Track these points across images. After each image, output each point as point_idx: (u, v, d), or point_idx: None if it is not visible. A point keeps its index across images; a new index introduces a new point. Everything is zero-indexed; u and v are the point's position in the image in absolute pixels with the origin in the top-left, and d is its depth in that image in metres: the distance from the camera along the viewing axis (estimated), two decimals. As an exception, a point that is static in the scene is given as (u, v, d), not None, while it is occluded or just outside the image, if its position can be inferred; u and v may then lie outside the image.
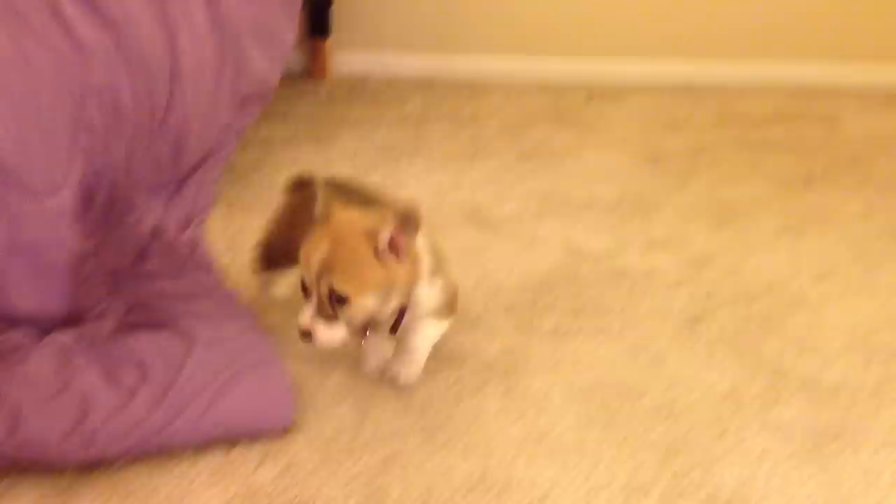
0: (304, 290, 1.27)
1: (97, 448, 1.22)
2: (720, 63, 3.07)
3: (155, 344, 1.36)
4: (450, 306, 1.43)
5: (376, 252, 1.24)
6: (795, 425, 1.40)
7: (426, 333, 1.41)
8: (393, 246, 1.25)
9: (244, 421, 1.31)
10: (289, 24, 2.42)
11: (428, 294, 1.36)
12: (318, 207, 1.28)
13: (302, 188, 1.51)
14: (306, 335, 1.26)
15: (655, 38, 3.07)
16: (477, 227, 2.07)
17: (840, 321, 1.69)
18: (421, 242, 1.33)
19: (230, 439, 1.32)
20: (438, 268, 1.38)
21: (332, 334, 1.26)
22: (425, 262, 1.34)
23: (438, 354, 1.56)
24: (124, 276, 1.67)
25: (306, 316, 1.26)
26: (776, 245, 1.99)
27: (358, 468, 1.28)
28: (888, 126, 2.71)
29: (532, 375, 1.51)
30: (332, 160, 2.43)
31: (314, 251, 1.24)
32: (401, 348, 1.44)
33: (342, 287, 1.23)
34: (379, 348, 1.47)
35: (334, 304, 1.24)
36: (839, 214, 2.14)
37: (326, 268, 1.23)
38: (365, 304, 1.25)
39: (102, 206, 1.68)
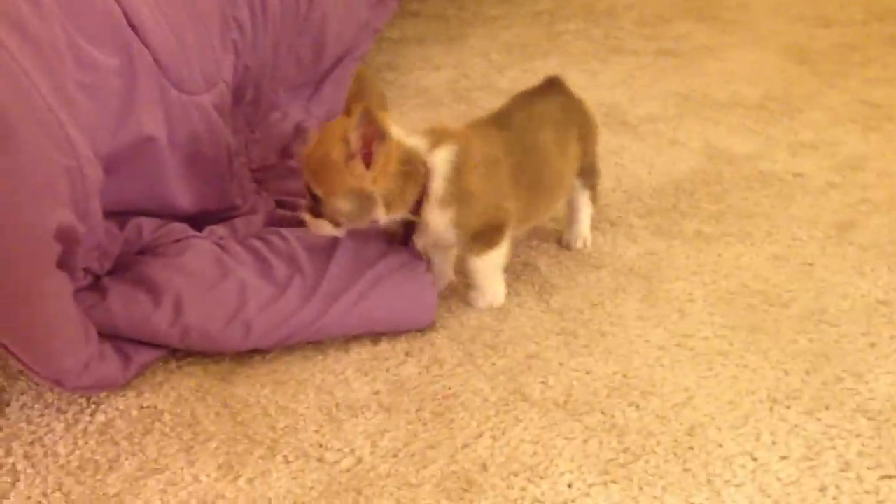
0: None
1: (253, 337, 1.27)
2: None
3: (303, 239, 1.40)
4: (481, 238, 1.38)
5: (346, 156, 1.26)
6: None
7: (474, 266, 1.41)
8: (365, 152, 1.26)
9: (389, 316, 1.34)
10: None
11: (438, 220, 1.34)
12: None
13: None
14: (302, 222, 1.35)
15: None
16: (614, 127, 2.02)
17: None
18: (435, 161, 1.32)
19: (375, 333, 1.36)
20: (459, 197, 1.33)
21: (318, 227, 1.33)
22: (434, 185, 1.32)
23: (577, 256, 1.56)
24: (270, 172, 1.72)
25: (304, 208, 1.34)
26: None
27: (500, 365, 1.30)
28: None
29: (673, 280, 1.49)
30: (463, 60, 2.41)
31: (307, 150, 1.31)
32: (469, 275, 1.44)
33: (315, 187, 1.30)
34: (441, 270, 1.47)
35: (315, 201, 1.31)
36: None
37: (307, 168, 1.31)
38: (337, 205, 1.30)
39: (250, 104, 1.71)
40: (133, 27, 1.25)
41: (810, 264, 1.52)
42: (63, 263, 1.04)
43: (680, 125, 2.03)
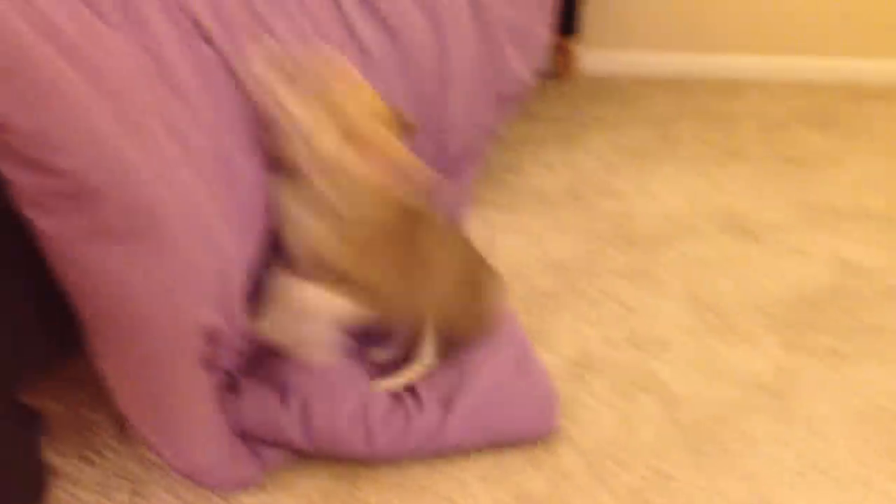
0: None
1: (378, 444, 1.27)
2: None
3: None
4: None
5: None
6: None
7: None
8: None
9: (511, 424, 1.33)
10: (544, 26, 2.44)
11: None
12: None
13: None
14: None
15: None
16: (735, 235, 1.99)
17: None
18: None
19: (497, 443, 1.34)
20: None
21: None
22: None
23: (703, 368, 1.52)
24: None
25: None
26: None
27: (627, 481, 1.26)
28: None
29: (805, 398, 1.44)
30: (578, 161, 2.43)
31: None
32: None
33: None
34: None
35: None
36: None
37: None
38: None
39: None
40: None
41: (954, 388, 1.45)
42: (205, 363, 1.07)
43: (805, 235, 1.98)
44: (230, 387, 1.25)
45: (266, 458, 1.26)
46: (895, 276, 1.80)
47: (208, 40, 1.15)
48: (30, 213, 0.91)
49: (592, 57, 3.11)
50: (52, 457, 1.33)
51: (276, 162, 1.24)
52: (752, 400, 1.44)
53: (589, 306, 1.72)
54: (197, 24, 1.14)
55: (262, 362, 1.32)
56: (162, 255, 0.93)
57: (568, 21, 3.00)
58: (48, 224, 0.90)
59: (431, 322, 1.36)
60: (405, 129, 1.31)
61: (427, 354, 1.37)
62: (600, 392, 1.46)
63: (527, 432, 1.35)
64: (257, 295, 1.21)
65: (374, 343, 1.43)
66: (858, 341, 1.58)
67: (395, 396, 1.32)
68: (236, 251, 1.09)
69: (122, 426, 1.40)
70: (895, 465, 1.27)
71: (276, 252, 1.25)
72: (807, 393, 1.45)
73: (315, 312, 1.24)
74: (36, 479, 0.95)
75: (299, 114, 1.19)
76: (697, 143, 2.51)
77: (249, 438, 1.25)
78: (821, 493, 1.23)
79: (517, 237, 2.00)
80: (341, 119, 1.20)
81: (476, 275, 1.42)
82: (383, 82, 1.64)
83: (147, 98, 0.97)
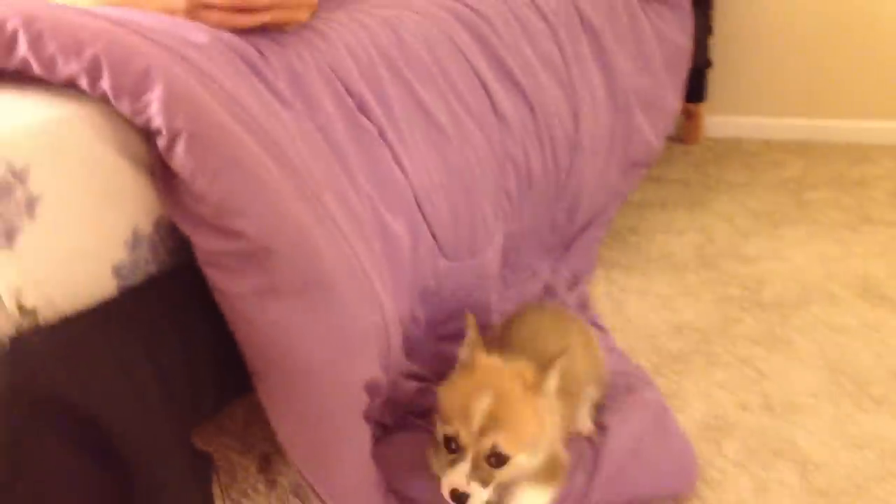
0: (454, 445, 1.15)
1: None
2: None
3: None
4: (552, 473, 1.24)
5: (536, 404, 1.16)
6: None
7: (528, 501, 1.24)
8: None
9: (652, 484, 1.35)
10: (675, 95, 2.49)
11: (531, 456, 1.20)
12: (464, 352, 1.22)
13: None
14: (460, 498, 1.12)
15: None
16: (871, 301, 1.96)
17: None
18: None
19: (638, 502, 1.36)
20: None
21: (483, 497, 1.13)
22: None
23: (838, 433, 1.51)
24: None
25: (461, 475, 1.12)
26: None
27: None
28: None
29: (949, 468, 1.41)
30: (707, 225, 2.44)
31: (474, 403, 1.13)
32: None
33: (508, 446, 1.12)
34: None
35: (492, 463, 1.13)
36: None
37: (492, 423, 1.12)
38: (522, 463, 1.15)
39: (508, 265, 1.82)
40: (418, 203, 1.39)
41: None
42: (366, 415, 1.15)
43: (945, 301, 1.94)
44: (379, 439, 1.32)
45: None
46: None
47: (366, 113, 1.26)
48: (208, 271, 1.01)
49: (718, 121, 3.13)
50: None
51: None
52: (890, 468, 1.42)
53: (720, 370, 1.73)
54: (358, 100, 1.24)
55: (406, 417, 1.39)
56: (330, 312, 1.01)
57: (696, 87, 3.03)
58: (224, 281, 1.01)
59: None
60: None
61: (583, 420, 1.42)
62: (734, 456, 1.47)
63: (667, 491, 1.37)
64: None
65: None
66: None
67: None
68: (393, 307, 1.17)
69: (263, 470, 1.49)
70: None
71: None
72: (950, 463, 1.42)
73: None
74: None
75: None
76: (828, 208, 2.49)
77: (397, 490, 1.32)
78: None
79: (645, 300, 2.03)
80: None
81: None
82: (520, 149, 1.72)
83: (322, 172, 1.07)
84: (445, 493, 1.12)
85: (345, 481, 1.16)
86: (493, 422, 1.12)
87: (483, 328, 1.63)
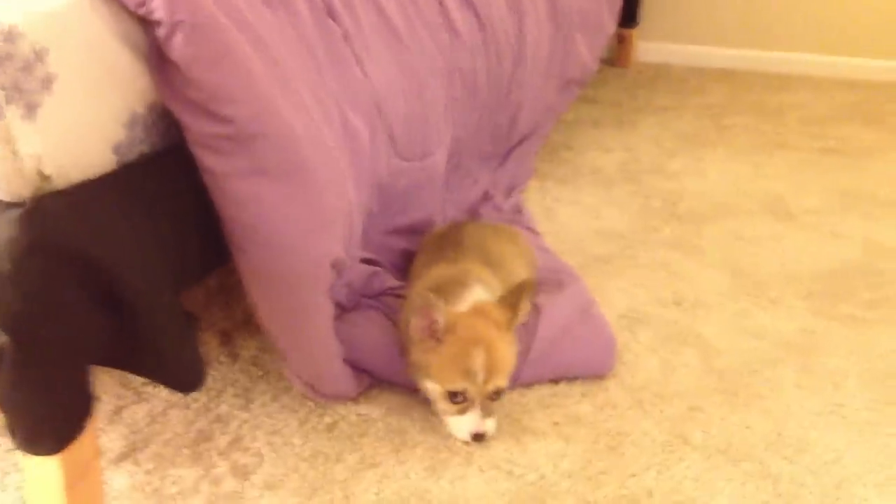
0: (461, 398, 1.37)
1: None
2: None
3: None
4: None
5: (511, 337, 1.40)
6: None
7: None
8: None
9: (576, 364, 1.54)
10: (611, 17, 2.64)
11: None
12: (441, 319, 1.35)
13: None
14: (482, 437, 1.37)
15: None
16: (776, 217, 2.18)
17: None
18: None
19: (562, 378, 1.55)
20: None
21: (494, 425, 1.40)
22: None
23: (738, 326, 1.72)
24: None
25: (477, 420, 1.37)
26: None
27: (666, 413, 1.47)
28: None
29: (828, 356, 1.63)
30: (634, 144, 2.62)
31: (472, 361, 1.34)
32: None
33: (504, 382, 1.38)
34: None
35: (493, 398, 1.39)
36: None
37: (493, 372, 1.35)
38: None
39: (452, 169, 1.97)
40: (377, 104, 1.52)
41: (962, 354, 1.63)
42: (328, 291, 1.30)
43: (841, 219, 2.16)
44: (337, 317, 1.48)
45: (365, 377, 1.49)
46: (920, 258, 1.97)
47: (333, 17, 1.38)
48: (198, 152, 1.14)
49: (649, 47, 3.29)
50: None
51: None
52: (780, 354, 1.63)
53: (639, 271, 1.92)
54: (327, 3, 1.36)
55: (360, 299, 1.54)
56: (307, 193, 1.15)
57: (629, 13, 3.18)
58: (213, 161, 1.14)
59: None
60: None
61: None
62: (647, 342, 1.67)
63: (590, 370, 1.56)
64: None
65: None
66: (880, 311, 1.77)
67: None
68: (356, 197, 1.31)
69: (225, 344, 1.64)
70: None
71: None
72: (829, 350, 1.64)
73: None
74: (198, 366, 1.18)
75: None
76: (746, 133, 2.69)
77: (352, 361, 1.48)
78: (834, 431, 1.43)
79: (575, 209, 2.21)
80: None
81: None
82: (469, 60, 1.85)
83: (297, 66, 1.19)
84: (466, 437, 1.38)
85: (310, 346, 1.31)
86: (491, 370, 1.35)
87: (429, 225, 1.79)
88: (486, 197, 2.14)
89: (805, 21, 3.11)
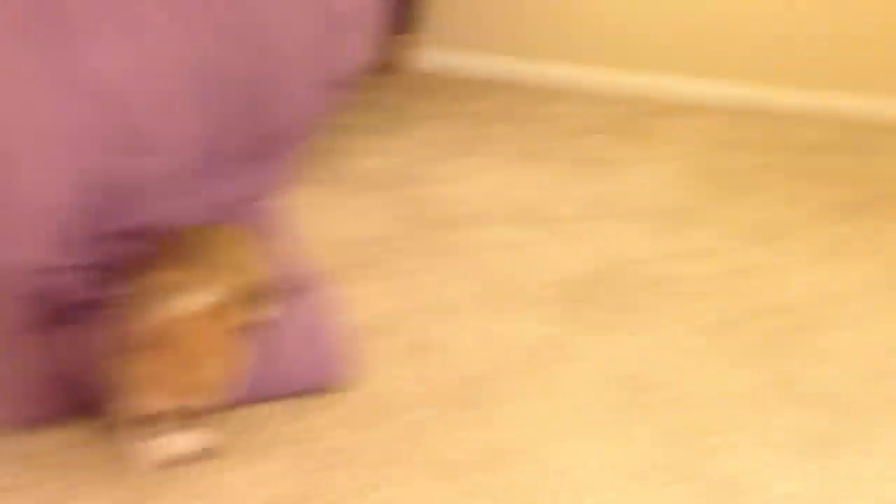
0: (165, 416, 1.29)
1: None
2: (779, 89, 3.16)
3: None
4: None
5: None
6: (801, 427, 1.52)
7: None
8: None
9: (302, 379, 1.48)
10: (377, 18, 2.60)
11: None
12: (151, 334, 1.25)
13: None
14: (188, 459, 1.31)
15: (722, 59, 3.17)
16: (531, 224, 2.21)
17: (860, 341, 1.80)
18: None
19: (288, 393, 1.49)
20: None
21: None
22: None
23: (480, 333, 1.72)
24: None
25: (184, 441, 1.31)
26: (811, 267, 2.10)
27: (396, 427, 1.44)
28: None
29: (570, 361, 1.65)
30: (401, 150, 2.60)
31: (186, 374, 1.25)
32: None
33: (216, 398, 1.28)
34: None
35: (203, 416, 1.33)
36: (877, 243, 2.23)
37: (203, 386, 1.27)
38: None
39: (200, 168, 1.86)
40: (104, 93, 1.40)
41: (688, 356, 1.70)
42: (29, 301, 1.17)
43: (587, 226, 2.23)
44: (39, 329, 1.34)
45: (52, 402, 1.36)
46: (659, 264, 2.06)
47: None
48: None
49: (427, 55, 3.30)
50: None
51: None
52: (520, 362, 1.64)
53: (389, 279, 1.89)
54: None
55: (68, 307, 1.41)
56: (8, 187, 1.02)
57: (405, 20, 3.18)
58: None
59: None
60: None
61: None
62: (388, 351, 1.63)
63: (318, 384, 1.51)
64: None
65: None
66: (621, 316, 1.82)
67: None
68: (71, 195, 1.19)
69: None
70: (628, 416, 1.50)
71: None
72: (571, 356, 1.67)
73: None
74: None
75: None
76: (505, 142, 2.74)
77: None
78: (566, 435, 1.44)
79: (333, 214, 2.16)
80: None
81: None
82: (215, 50, 1.75)
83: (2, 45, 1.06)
84: (168, 459, 1.28)
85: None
86: (202, 384, 1.24)
87: (160, 228, 1.68)
88: (242, 200, 2.04)
89: (572, 33, 3.22)
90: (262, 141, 2.16)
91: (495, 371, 1.61)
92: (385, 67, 3.26)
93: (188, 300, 1.35)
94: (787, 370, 1.68)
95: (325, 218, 2.13)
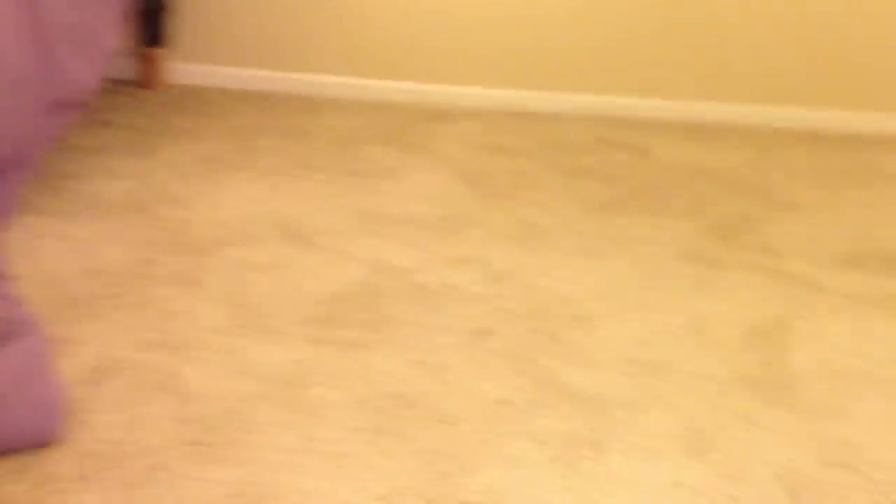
0: None
1: None
2: (545, 92, 3.20)
3: None
4: None
5: None
6: (555, 432, 1.48)
7: None
8: None
9: (11, 436, 1.29)
10: (110, 31, 2.40)
11: None
12: None
13: None
14: None
15: (485, 67, 3.17)
16: (288, 241, 2.09)
17: (614, 336, 1.80)
18: None
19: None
20: None
21: None
22: None
23: (226, 365, 1.58)
24: None
25: None
26: (571, 264, 2.09)
27: (119, 479, 1.28)
28: (691, 156, 2.88)
29: (314, 385, 1.55)
30: (147, 170, 2.41)
31: None
32: None
33: None
34: None
35: None
36: (634, 238, 2.26)
37: None
38: None
39: None
40: None
41: (444, 369, 1.63)
42: None
43: (353, 240, 2.13)
44: None
45: None
46: (420, 274, 1.99)
47: None
48: None
49: (181, 69, 3.11)
50: None
51: None
52: (267, 391, 1.52)
53: (125, 312, 1.72)
54: None
55: None
56: None
57: (154, 32, 2.98)
58: None
59: None
60: None
61: None
62: (115, 395, 1.47)
63: (29, 441, 1.32)
64: None
65: None
66: (375, 332, 1.73)
67: None
68: None
69: None
70: (377, 439, 1.41)
71: None
72: (319, 381, 1.56)
73: None
74: None
75: None
76: (271, 156, 2.61)
77: None
78: (305, 470, 1.33)
79: (62, 244, 1.95)
80: None
81: None
82: None
83: None
84: None
85: None
86: None
87: None
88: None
89: (333, 44, 3.13)
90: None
91: (233, 406, 1.48)
92: (136, 84, 3.05)
93: None
94: (548, 374, 1.65)
95: (56, 251, 1.93)
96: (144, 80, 3.04)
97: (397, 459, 1.37)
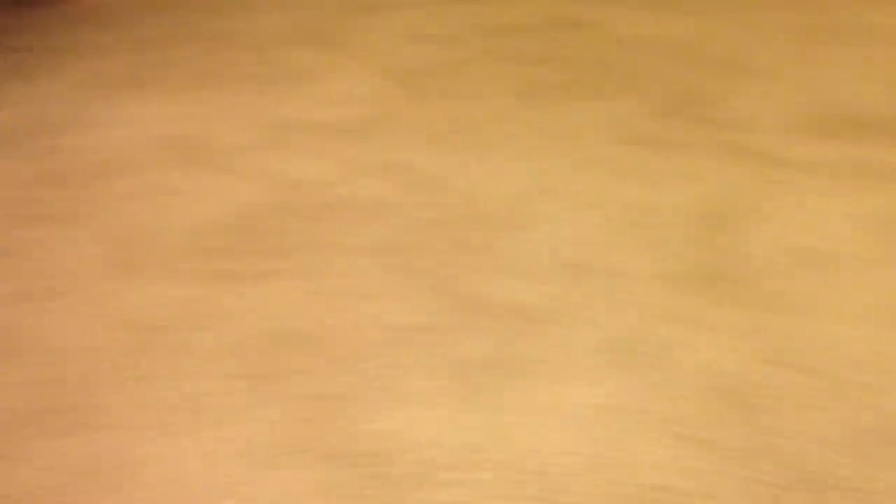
0: None
1: None
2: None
3: None
4: None
5: None
6: (473, 360, 1.28)
7: None
8: None
9: None
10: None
11: None
12: None
13: None
14: None
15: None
16: (188, 164, 1.87)
17: (546, 240, 1.58)
18: None
19: None
20: None
21: None
22: None
23: (93, 313, 1.38)
24: None
25: None
26: (504, 164, 1.87)
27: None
28: (651, 28, 2.61)
29: (194, 330, 1.35)
30: (41, 93, 2.18)
31: None
32: None
33: None
34: None
35: None
36: (576, 126, 2.03)
37: None
38: None
39: None
40: None
41: (351, 294, 1.43)
42: None
43: (261, 156, 1.91)
44: None
45: None
46: (337, 188, 1.77)
47: None
48: None
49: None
50: None
51: None
52: (138, 342, 1.32)
53: (-11, 261, 1.51)
54: None
55: None
56: None
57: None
58: None
59: None
60: None
61: None
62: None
63: None
64: None
65: None
66: (277, 262, 1.53)
67: None
68: None
69: None
70: (258, 385, 1.22)
71: None
72: (200, 325, 1.36)
73: None
74: None
75: None
76: (181, 68, 2.36)
77: None
78: (179, 431, 1.14)
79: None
80: None
81: None
82: None
83: None
84: None
85: None
86: None
87: None
88: None
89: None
90: None
91: (103, 363, 1.28)
92: (46, 2, 2.77)
93: None
94: (469, 291, 1.44)
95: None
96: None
97: (280, 409, 1.18)
